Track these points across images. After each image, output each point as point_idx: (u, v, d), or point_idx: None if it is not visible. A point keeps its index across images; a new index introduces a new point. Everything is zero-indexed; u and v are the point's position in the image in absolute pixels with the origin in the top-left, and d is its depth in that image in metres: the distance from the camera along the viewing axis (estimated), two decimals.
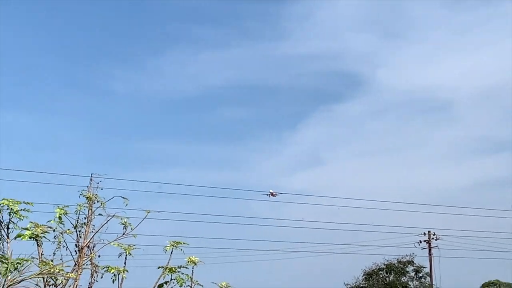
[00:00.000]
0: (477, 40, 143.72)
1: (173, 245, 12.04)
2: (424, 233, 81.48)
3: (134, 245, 11.73)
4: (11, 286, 9.82)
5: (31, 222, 11.38)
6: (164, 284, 11.80)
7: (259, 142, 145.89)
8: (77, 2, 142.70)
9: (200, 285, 11.89)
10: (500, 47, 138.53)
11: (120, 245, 11.69)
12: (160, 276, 11.82)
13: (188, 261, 11.82)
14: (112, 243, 11.74)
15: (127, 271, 11.59)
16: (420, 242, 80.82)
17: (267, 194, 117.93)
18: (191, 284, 11.82)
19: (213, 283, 11.93)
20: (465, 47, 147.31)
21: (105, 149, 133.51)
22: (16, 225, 11.57)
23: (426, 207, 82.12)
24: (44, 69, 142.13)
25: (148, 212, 12.21)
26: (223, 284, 11.99)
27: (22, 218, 11.58)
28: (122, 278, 11.53)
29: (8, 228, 11.57)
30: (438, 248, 79.57)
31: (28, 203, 11.76)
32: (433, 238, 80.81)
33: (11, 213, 11.54)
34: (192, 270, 11.85)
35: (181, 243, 12.06)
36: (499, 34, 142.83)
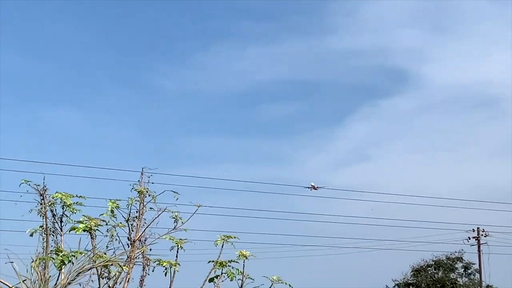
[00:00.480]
0: None
1: (223, 239, 12.05)
2: (473, 229, 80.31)
3: (186, 238, 11.84)
4: (68, 278, 10.06)
5: (84, 216, 11.52)
6: (215, 278, 11.83)
7: (305, 138, 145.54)
8: (124, 1, 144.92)
9: (251, 278, 11.94)
10: None
11: (171, 238, 11.80)
12: (211, 270, 11.86)
13: (239, 255, 11.88)
14: (163, 237, 11.85)
15: (179, 264, 11.68)
16: (469, 238, 79.69)
17: (308, 188, 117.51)
18: (242, 278, 11.87)
19: (264, 277, 11.96)
20: None
21: (153, 145, 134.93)
22: (69, 219, 11.76)
23: (475, 203, 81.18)
24: (93, 66, 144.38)
25: (199, 207, 12.30)
26: (274, 278, 12.01)
27: (75, 211, 11.75)
28: (174, 272, 11.63)
29: (61, 221, 11.75)
30: (488, 245, 78.29)
31: (81, 197, 11.94)
32: (482, 235, 79.58)
33: (64, 207, 11.73)
34: (244, 264, 11.91)
35: (232, 237, 12.07)
36: None
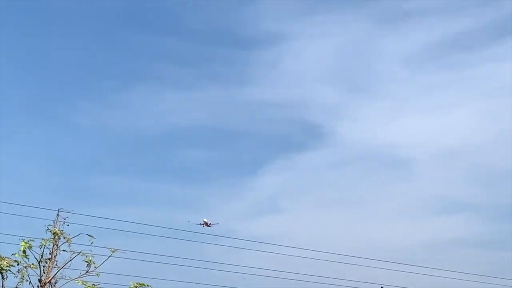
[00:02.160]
0: (441, 101, 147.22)
1: (136, 287, 12.15)
2: None
3: (99, 284, 11.94)
4: None
5: None
6: None
7: (219, 186, 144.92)
8: (45, 31, 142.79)
9: None
10: (463, 110, 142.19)
11: (84, 283, 11.87)
12: None
13: None
14: (76, 280, 11.93)
15: None
16: None
17: (200, 224, 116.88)
18: None
19: None
20: (428, 106, 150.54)
21: (66, 182, 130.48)
22: None
23: (379, 263, 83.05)
24: (9, 96, 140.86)
25: (113, 251, 12.45)
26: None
27: None
28: None
29: None
30: None
31: None
32: None
33: None
34: None
35: (145, 285, 12.12)
36: (462, 97, 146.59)
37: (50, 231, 11.93)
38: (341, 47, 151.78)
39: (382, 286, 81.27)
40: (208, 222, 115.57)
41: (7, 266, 11.16)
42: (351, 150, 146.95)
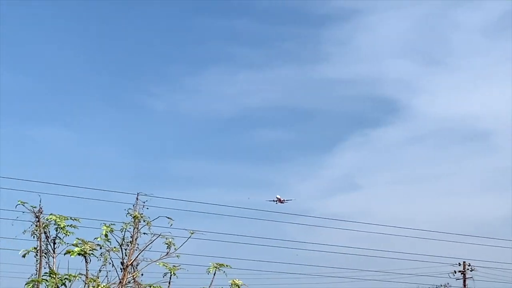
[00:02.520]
0: None
1: (216, 267, 12.21)
2: (459, 263, 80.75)
3: (179, 265, 12.10)
4: None
5: (78, 239, 11.63)
6: None
7: (295, 165, 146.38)
8: (118, 21, 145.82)
9: None
10: None
11: (165, 264, 12.05)
12: None
13: (232, 284, 12.15)
14: (156, 262, 12.14)
15: None
16: (455, 272, 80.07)
17: (274, 201, 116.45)
18: None
19: None
20: (507, 76, 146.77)
21: (143, 166, 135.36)
22: (62, 241, 11.96)
23: (462, 237, 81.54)
24: (84, 86, 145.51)
25: (192, 233, 12.58)
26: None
27: (69, 234, 11.99)
28: None
29: (54, 243, 11.90)
30: (473, 280, 78.84)
31: (75, 219, 12.13)
32: (468, 269, 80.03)
33: (58, 229, 11.97)
34: None
35: (224, 265, 12.26)
36: None
37: (130, 214, 12.19)
38: (415, 20, 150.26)
39: (464, 261, 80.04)
40: (282, 199, 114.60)
41: (90, 250, 11.44)
42: (428, 125, 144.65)
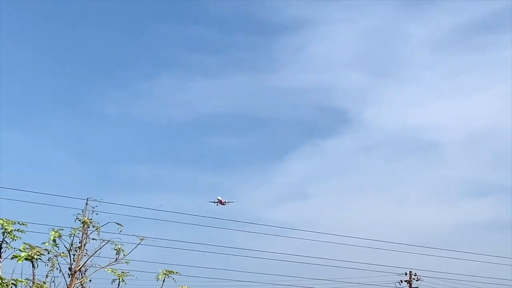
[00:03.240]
0: (468, 84, 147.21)
1: (165, 274, 12.27)
2: (405, 273, 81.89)
3: (128, 271, 12.13)
4: None
5: (25, 243, 11.56)
6: None
7: (246, 172, 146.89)
8: (72, 21, 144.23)
9: None
10: (491, 92, 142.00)
11: (114, 271, 12.08)
12: None
13: None
14: (105, 269, 12.16)
15: None
16: (401, 281, 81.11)
17: (214, 202, 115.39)
18: None
19: None
20: (455, 90, 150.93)
21: (93, 170, 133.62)
22: (9, 245, 11.79)
23: (408, 247, 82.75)
24: (37, 87, 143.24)
25: (142, 239, 12.64)
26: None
27: (16, 238, 11.92)
28: None
29: (0, 248, 11.69)
30: None
31: (23, 224, 12.04)
32: (414, 279, 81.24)
33: (5, 233, 11.83)
34: None
35: (174, 272, 12.27)
36: (489, 80, 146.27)
37: (79, 220, 12.13)
38: (367, 32, 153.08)
39: (410, 270, 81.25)
40: (223, 200, 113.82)
41: (37, 255, 11.35)
42: (379, 135, 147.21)
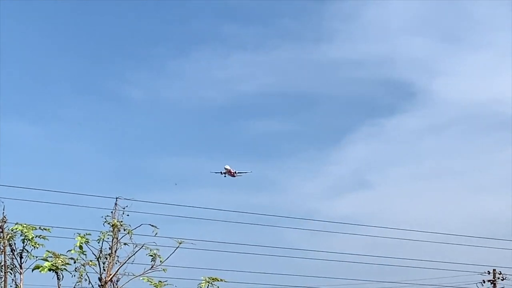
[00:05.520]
0: None
1: (208, 282, 11.82)
2: (489, 271, 79.73)
3: (166, 280, 11.72)
4: None
5: (48, 251, 11.30)
6: None
7: (296, 161, 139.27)
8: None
9: None
10: None
11: (150, 280, 11.70)
12: None
13: None
14: (140, 277, 11.75)
15: None
16: (484, 282, 79.04)
17: (221, 173, 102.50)
18: None
19: None
20: None
21: (121, 165, 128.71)
22: (30, 254, 11.71)
23: (491, 241, 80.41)
24: (53, 74, 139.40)
25: (181, 243, 12.25)
26: None
27: (38, 246, 11.58)
28: None
29: (21, 258, 11.67)
30: None
31: (45, 229, 11.81)
32: (498, 278, 78.99)
33: (25, 240, 11.59)
34: None
35: (218, 279, 11.87)
36: None
37: (108, 222, 11.83)
38: None
39: (494, 268, 78.88)
40: (232, 170, 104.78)
41: (62, 265, 10.97)
42: (449, 111, 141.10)
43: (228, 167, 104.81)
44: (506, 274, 78.66)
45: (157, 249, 11.99)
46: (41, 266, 10.88)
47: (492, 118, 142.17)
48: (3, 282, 11.20)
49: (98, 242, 11.82)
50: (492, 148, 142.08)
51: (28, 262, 11.42)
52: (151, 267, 11.96)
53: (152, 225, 12.03)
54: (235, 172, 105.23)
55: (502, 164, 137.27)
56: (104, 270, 11.84)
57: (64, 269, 11.01)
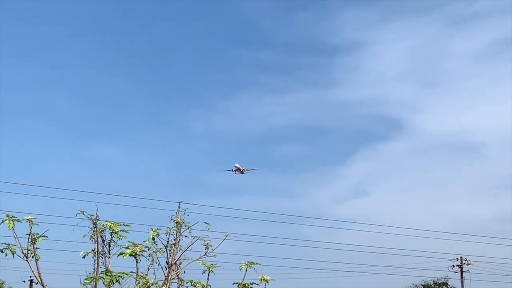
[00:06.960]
0: (508, 92, 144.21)
1: (247, 265, 12.29)
2: (457, 258, 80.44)
3: (216, 263, 12.20)
4: None
5: (129, 242, 11.83)
6: None
7: (312, 175, 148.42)
8: (161, 55, 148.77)
9: None
10: None
11: (204, 263, 12.29)
12: None
13: (261, 280, 12.23)
14: (196, 261, 12.40)
15: (210, 286, 12.23)
16: (453, 266, 79.77)
17: (232, 170, 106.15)
18: None
19: None
20: (496, 97, 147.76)
21: (184, 178, 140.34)
22: (116, 243, 12.02)
23: (459, 236, 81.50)
24: (132, 109, 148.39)
25: (227, 236, 12.92)
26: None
27: (122, 237, 12.31)
28: None
29: (109, 246, 12.01)
30: (469, 273, 78.53)
31: (127, 225, 12.46)
32: (465, 263, 79.66)
33: (112, 233, 12.10)
34: (265, 287, 12.52)
35: (254, 263, 12.33)
36: None
37: (174, 220, 12.48)
38: (414, 49, 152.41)
39: (461, 256, 79.55)
40: (242, 168, 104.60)
41: (139, 251, 11.58)
42: (428, 139, 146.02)
43: (237, 165, 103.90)
44: (470, 261, 79.56)
45: (209, 240, 12.19)
46: (124, 253, 11.46)
47: (461, 144, 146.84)
48: (96, 264, 11.66)
49: (166, 235, 12.13)
50: (462, 166, 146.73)
51: (115, 250, 11.98)
52: (205, 254, 12.15)
53: (206, 222, 12.41)
54: (244, 170, 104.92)
55: (471, 179, 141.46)
56: (170, 255, 11.99)
57: (141, 255, 11.49)
